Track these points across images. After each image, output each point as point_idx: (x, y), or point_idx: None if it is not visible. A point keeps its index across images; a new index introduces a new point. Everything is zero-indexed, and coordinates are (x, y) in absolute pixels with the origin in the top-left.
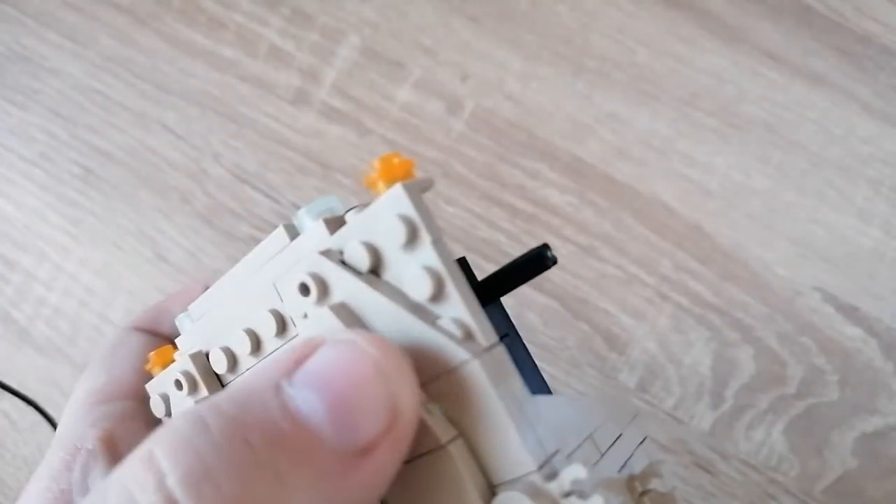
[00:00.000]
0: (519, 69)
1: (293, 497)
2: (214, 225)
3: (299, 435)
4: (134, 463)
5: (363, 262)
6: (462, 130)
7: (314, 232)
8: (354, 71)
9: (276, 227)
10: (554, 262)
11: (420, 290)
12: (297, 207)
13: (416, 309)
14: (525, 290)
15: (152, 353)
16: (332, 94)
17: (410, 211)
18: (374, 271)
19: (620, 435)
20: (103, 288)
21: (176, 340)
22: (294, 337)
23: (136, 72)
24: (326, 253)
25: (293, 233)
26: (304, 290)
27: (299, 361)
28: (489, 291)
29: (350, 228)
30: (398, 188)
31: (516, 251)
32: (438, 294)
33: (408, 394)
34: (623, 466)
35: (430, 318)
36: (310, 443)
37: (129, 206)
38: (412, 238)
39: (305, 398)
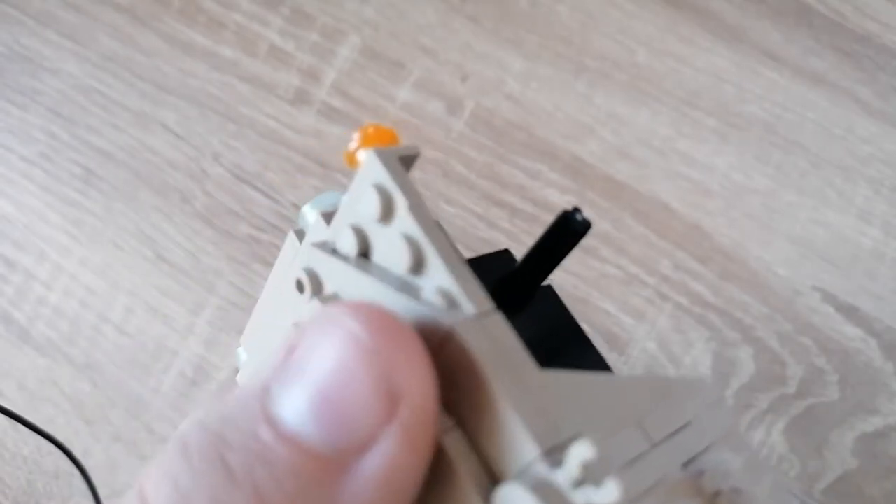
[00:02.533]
0: (519, 69)
1: None
2: (214, 225)
3: (281, 445)
4: (128, 498)
5: (351, 245)
6: (462, 130)
7: (315, 228)
8: (354, 71)
9: (276, 227)
10: (586, 225)
11: (400, 261)
12: (298, 207)
13: (402, 285)
14: None
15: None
16: (331, 94)
17: (384, 176)
18: (365, 254)
19: (688, 423)
20: (103, 288)
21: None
22: None
23: (136, 71)
24: (319, 245)
25: (302, 235)
26: (299, 286)
27: (287, 355)
28: (523, 280)
29: (339, 214)
30: (368, 154)
31: (516, 251)
32: (419, 263)
33: (408, 369)
34: (691, 462)
35: (413, 292)
36: (293, 451)
37: (129, 206)
38: (388, 207)
39: (291, 398)
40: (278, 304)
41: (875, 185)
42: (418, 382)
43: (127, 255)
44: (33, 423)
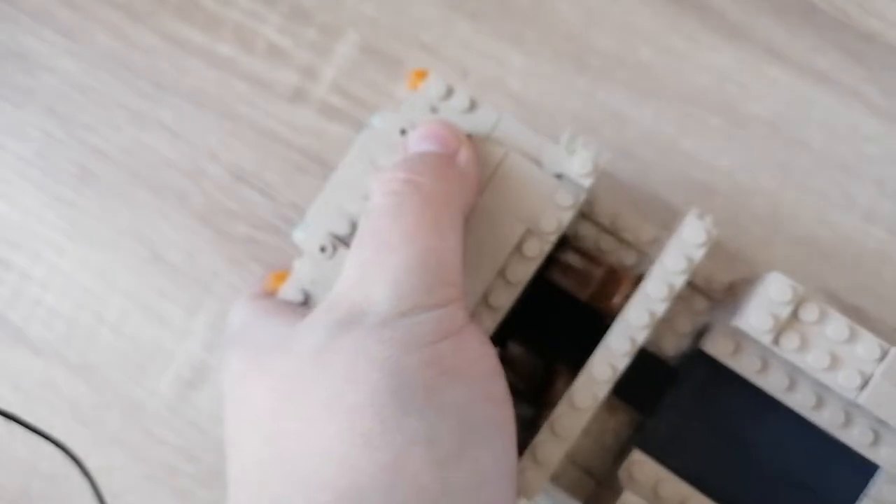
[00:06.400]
0: (520, 66)
1: (425, 172)
2: (212, 224)
3: (419, 155)
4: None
5: (427, 111)
6: None
7: (385, 118)
8: (353, 68)
9: (274, 226)
10: None
11: (461, 106)
12: (297, 207)
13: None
14: None
15: (271, 274)
16: (330, 92)
17: (443, 85)
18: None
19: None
20: (99, 288)
21: (296, 240)
22: None
23: (132, 69)
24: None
25: (370, 129)
26: (403, 132)
27: (404, 143)
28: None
29: (405, 106)
30: (431, 74)
31: None
32: (474, 105)
33: (460, 134)
34: None
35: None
36: (427, 154)
37: (126, 206)
38: (450, 91)
39: (416, 141)
40: (350, 180)
41: (880, 184)
42: (465, 139)
43: (123, 255)
44: (40, 429)
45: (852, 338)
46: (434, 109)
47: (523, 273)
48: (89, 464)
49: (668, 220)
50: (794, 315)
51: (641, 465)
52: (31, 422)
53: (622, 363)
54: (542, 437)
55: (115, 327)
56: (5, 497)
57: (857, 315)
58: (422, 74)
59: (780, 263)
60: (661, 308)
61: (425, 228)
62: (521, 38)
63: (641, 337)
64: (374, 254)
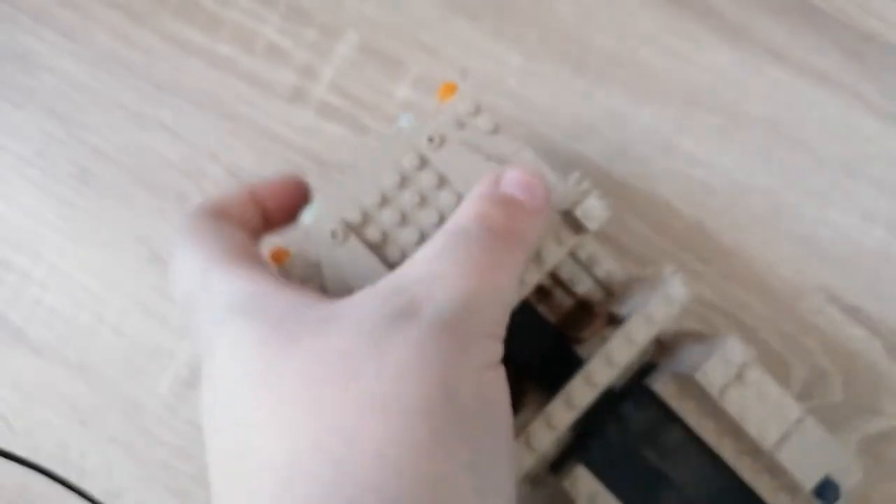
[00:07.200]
0: (519, 66)
1: (517, 223)
2: None
3: (514, 201)
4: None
5: (453, 128)
6: None
7: (412, 124)
8: (352, 68)
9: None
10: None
11: (487, 127)
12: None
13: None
14: None
15: (270, 250)
16: (330, 92)
17: (476, 102)
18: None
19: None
20: (99, 288)
21: (304, 221)
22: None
23: (132, 70)
24: (447, 122)
25: (399, 131)
26: (431, 140)
27: (497, 177)
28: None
29: (441, 118)
30: (461, 92)
31: None
32: (497, 128)
33: (545, 185)
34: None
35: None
36: (528, 209)
37: (126, 206)
38: (478, 110)
39: (513, 183)
40: (369, 175)
41: (879, 184)
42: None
43: (123, 256)
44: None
45: (780, 400)
46: (461, 125)
47: (518, 296)
48: (89, 463)
49: (667, 220)
50: (739, 376)
51: (583, 480)
52: (31, 422)
53: (595, 393)
54: (519, 448)
55: (115, 327)
56: (5, 497)
57: (859, 315)
58: (452, 88)
59: (779, 263)
60: (637, 350)
61: (505, 273)
62: (521, 38)
63: (616, 374)
64: (455, 267)
